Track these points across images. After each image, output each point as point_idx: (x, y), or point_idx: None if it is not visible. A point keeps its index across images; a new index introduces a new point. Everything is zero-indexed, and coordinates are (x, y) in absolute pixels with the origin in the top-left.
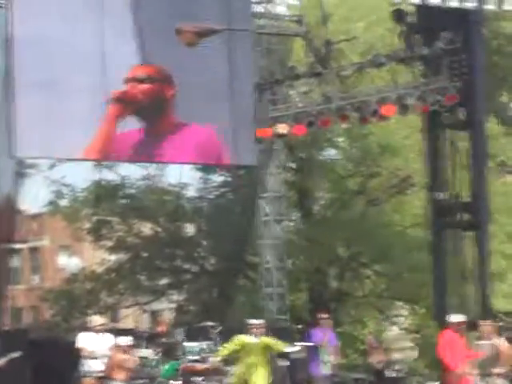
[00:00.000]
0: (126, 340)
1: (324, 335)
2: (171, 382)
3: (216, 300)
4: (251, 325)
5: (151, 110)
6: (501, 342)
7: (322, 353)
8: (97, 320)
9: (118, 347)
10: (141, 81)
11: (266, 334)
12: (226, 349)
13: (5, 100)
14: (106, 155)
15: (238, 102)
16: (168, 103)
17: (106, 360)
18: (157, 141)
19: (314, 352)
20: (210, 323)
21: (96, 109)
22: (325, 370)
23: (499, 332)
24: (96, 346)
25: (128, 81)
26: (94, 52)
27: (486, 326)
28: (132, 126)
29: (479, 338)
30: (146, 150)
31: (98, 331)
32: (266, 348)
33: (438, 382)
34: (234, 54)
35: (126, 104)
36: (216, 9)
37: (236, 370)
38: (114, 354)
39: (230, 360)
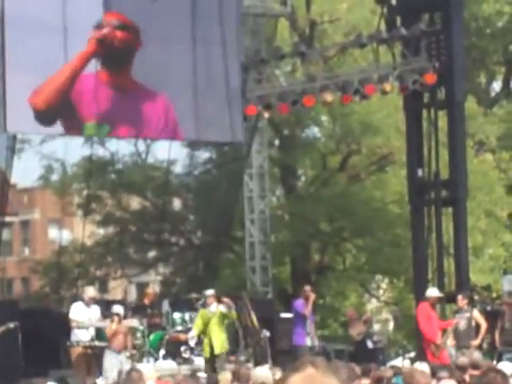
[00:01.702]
0: (121, 308)
1: (307, 306)
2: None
3: (202, 273)
4: (206, 296)
5: (119, 58)
6: (477, 315)
7: (307, 323)
8: (89, 291)
9: (115, 315)
10: (117, 27)
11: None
12: (195, 325)
13: None
14: (64, 96)
15: (226, 80)
16: (133, 57)
17: (93, 330)
18: (122, 102)
19: (298, 322)
20: (194, 295)
21: None
22: (308, 341)
23: (474, 305)
24: (85, 316)
25: (105, 24)
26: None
27: (463, 299)
28: (91, 69)
29: (457, 311)
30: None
31: (87, 302)
32: (223, 316)
33: (415, 352)
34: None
35: (102, 47)
36: None
37: (204, 339)
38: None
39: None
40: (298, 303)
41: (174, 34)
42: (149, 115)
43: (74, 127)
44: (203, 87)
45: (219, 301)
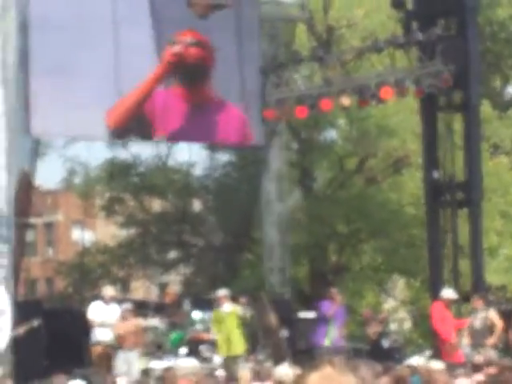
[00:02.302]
0: (126, 306)
1: (332, 308)
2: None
3: (221, 273)
4: (218, 296)
5: (194, 75)
6: (493, 315)
7: (329, 325)
8: (108, 290)
9: (122, 315)
10: (191, 44)
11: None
12: (213, 327)
13: (22, 79)
14: (139, 113)
15: (247, 83)
16: (208, 73)
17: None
18: (199, 113)
19: (321, 323)
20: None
21: (111, 87)
22: (327, 342)
23: (490, 305)
24: (106, 315)
25: (178, 42)
26: (106, 32)
27: (478, 299)
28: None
29: (472, 311)
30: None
31: (107, 301)
32: (237, 316)
33: (431, 351)
34: (241, 37)
35: (175, 65)
36: None
37: (219, 339)
38: (117, 324)
39: None
40: (324, 304)
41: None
42: (224, 128)
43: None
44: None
45: (235, 301)
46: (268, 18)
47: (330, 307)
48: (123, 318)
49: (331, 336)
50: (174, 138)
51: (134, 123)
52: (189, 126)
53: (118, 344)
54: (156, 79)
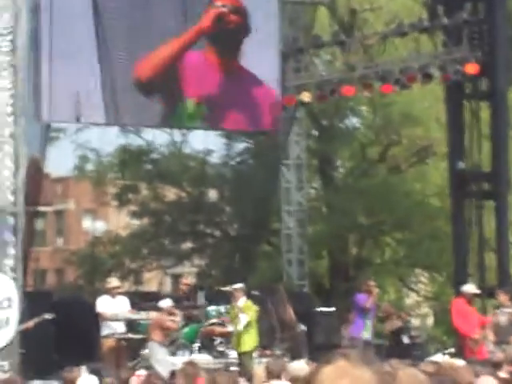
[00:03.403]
0: (168, 302)
1: (369, 301)
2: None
3: (238, 265)
4: (235, 289)
5: (230, 42)
6: None
7: (366, 318)
8: (112, 282)
9: (163, 310)
10: (233, 10)
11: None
12: (230, 319)
13: (32, 65)
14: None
15: (264, 67)
16: (241, 44)
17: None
18: (233, 84)
19: (358, 315)
20: (230, 287)
21: (123, 75)
22: (365, 334)
23: None
24: (112, 308)
25: (219, 6)
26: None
27: (505, 294)
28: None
29: (498, 306)
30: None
31: (113, 294)
32: (251, 309)
33: (454, 348)
34: (259, 19)
35: (219, 24)
36: None
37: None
38: (156, 317)
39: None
40: (361, 296)
41: None
42: (255, 102)
43: (171, 103)
44: None
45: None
46: (288, 1)
47: (368, 300)
48: (169, 313)
49: (369, 329)
50: (205, 103)
51: (165, 79)
52: (222, 95)
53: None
54: (197, 32)
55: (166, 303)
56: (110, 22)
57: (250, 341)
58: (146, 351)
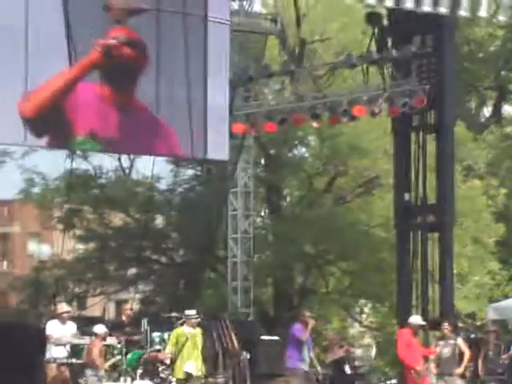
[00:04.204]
0: (102, 328)
1: (305, 331)
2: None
3: (183, 292)
4: (187, 316)
5: (124, 76)
6: (461, 343)
7: (303, 349)
8: (63, 307)
9: (97, 336)
10: (123, 43)
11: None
12: (169, 344)
13: None
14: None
15: (213, 96)
16: (138, 78)
17: (68, 347)
18: (124, 123)
19: (293, 346)
20: (174, 314)
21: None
22: (303, 365)
23: (458, 332)
24: (61, 333)
25: (110, 38)
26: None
27: (448, 326)
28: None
29: (441, 338)
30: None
31: (63, 319)
32: (199, 337)
33: (396, 379)
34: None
35: (107, 59)
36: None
37: (175, 359)
38: (94, 342)
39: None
40: (297, 327)
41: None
42: (151, 138)
43: (63, 140)
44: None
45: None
46: (239, 30)
47: (303, 331)
48: (103, 339)
49: (307, 360)
50: (96, 139)
51: (52, 116)
52: (113, 132)
53: (89, 363)
54: (84, 67)
55: (99, 329)
56: None
57: (199, 366)
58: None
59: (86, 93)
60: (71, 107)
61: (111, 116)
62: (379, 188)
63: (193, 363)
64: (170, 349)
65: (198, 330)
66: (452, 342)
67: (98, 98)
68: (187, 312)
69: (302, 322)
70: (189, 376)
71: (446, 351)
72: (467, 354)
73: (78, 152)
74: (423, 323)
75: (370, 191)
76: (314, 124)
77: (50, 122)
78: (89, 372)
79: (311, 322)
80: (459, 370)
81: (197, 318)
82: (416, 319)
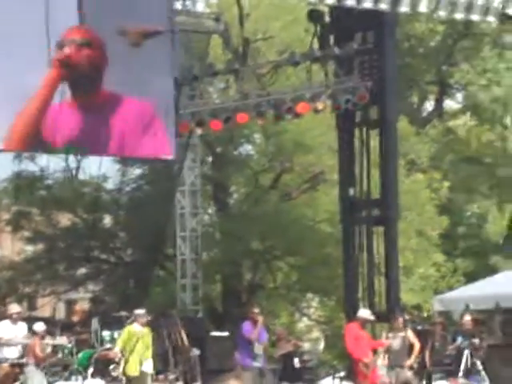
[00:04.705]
0: (41, 326)
1: (254, 329)
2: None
3: (132, 290)
4: (137, 315)
5: (88, 79)
6: (411, 335)
7: (252, 346)
8: (14, 308)
9: (34, 333)
10: (81, 45)
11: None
12: (119, 340)
13: None
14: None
15: (159, 96)
16: (102, 74)
17: (20, 347)
18: (94, 122)
19: (244, 345)
20: (124, 313)
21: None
22: (255, 362)
23: (406, 324)
24: (12, 333)
25: (67, 43)
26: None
27: (398, 319)
28: (62, 97)
29: (390, 331)
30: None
31: (14, 319)
32: (149, 336)
33: (344, 372)
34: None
35: (67, 69)
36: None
37: (127, 357)
38: (32, 340)
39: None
40: (246, 327)
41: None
42: (120, 130)
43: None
44: None
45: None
46: (182, 29)
47: (253, 329)
48: (42, 337)
49: (258, 357)
50: (71, 146)
51: (34, 143)
52: (82, 135)
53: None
54: (50, 84)
55: (39, 327)
56: None
57: (135, 366)
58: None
59: (55, 111)
60: (45, 128)
61: (80, 122)
62: (324, 183)
63: (149, 362)
64: (119, 344)
65: (147, 329)
66: (402, 334)
67: (64, 110)
68: (137, 311)
69: (252, 319)
70: (142, 373)
71: (396, 343)
72: (417, 345)
73: (25, 154)
74: (372, 318)
75: (315, 187)
76: (259, 121)
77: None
78: (30, 368)
79: (260, 319)
80: (409, 362)
81: (146, 317)
82: (364, 313)
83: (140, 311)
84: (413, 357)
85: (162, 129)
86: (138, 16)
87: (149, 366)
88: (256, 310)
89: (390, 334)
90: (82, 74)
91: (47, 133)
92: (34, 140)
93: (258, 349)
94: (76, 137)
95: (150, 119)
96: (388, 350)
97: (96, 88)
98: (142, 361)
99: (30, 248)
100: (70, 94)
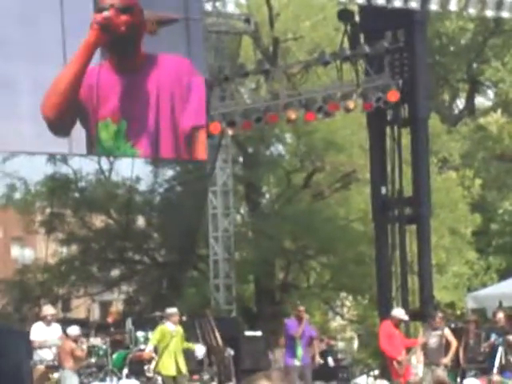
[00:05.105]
0: (75, 330)
1: (298, 326)
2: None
3: (166, 291)
4: (169, 314)
5: (127, 42)
6: (448, 333)
7: (296, 345)
8: (48, 309)
9: (67, 337)
10: (121, 10)
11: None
12: (153, 338)
13: None
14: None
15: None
16: (141, 40)
17: (55, 349)
18: (132, 86)
19: (289, 343)
20: (158, 313)
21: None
22: (296, 362)
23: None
24: (46, 335)
25: (107, 7)
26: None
27: (436, 317)
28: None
29: (427, 328)
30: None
31: (48, 321)
32: (183, 335)
33: (378, 370)
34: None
35: (106, 33)
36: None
37: (161, 355)
38: (64, 343)
39: None
40: (291, 324)
41: None
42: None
43: (89, 134)
44: None
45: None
46: (213, 31)
47: (297, 326)
48: (74, 341)
49: (299, 356)
50: (117, 117)
51: (73, 113)
52: (125, 103)
53: (59, 363)
54: (88, 48)
55: (74, 330)
56: None
57: (184, 364)
58: (59, 378)
59: (94, 75)
60: (85, 94)
61: (121, 87)
62: (356, 182)
63: (183, 361)
64: (153, 343)
65: (180, 328)
66: (439, 332)
67: (105, 75)
68: (168, 310)
69: (297, 316)
70: (178, 373)
71: (434, 341)
72: (454, 343)
73: (58, 156)
74: (406, 318)
75: (347, 186)
76: (290, 120)
77: (71, 118)
78: (66, 371)
79: (305, 317)
80: (446, 360)
81: (178, 316)
82: (398, 312)
83: (172, 310)
84: (449, 355)
85: (201, 89)
86: (155, 5)
87: (183, 365)
88: (301, 308)
89: (427, 332)
90: (121, 38)
91: (85, 96)
92: (71, 105)
93: (300, 348)
94: (120, 106)
95: (189, 76)
96: (425, 348)
97: (134, 51)
98: (177, 360)
99: (64, 250)
100: (108, 56)
